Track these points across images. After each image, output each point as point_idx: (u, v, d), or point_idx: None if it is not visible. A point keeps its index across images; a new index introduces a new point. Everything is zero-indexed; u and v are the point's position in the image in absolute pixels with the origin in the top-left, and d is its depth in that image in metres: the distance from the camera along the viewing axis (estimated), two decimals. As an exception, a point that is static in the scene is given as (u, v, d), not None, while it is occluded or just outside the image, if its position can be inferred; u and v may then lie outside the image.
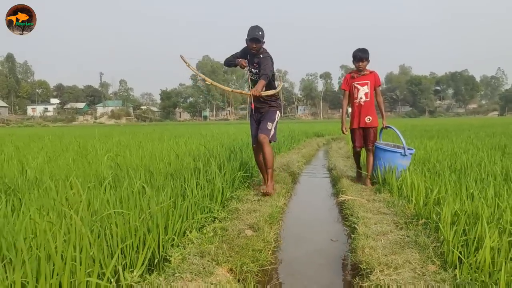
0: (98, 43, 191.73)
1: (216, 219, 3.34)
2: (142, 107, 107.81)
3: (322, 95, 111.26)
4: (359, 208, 3.75)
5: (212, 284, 2.04)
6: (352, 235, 3.16)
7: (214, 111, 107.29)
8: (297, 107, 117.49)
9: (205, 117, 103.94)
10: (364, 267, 2.38)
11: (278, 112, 4.65)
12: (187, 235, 2.77)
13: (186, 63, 4.12)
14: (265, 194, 4.29)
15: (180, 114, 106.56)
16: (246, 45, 4.48)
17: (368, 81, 4.86)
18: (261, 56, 4.43)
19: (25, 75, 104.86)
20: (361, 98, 4.89)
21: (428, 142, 9.61)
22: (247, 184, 4.94)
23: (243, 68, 4.48)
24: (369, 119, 4.88)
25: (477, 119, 46.82)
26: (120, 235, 2.24)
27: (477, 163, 4.94)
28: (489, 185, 3.30)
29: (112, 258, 1.98)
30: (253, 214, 3.55)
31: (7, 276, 1.68)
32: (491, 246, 2.01)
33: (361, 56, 4.81)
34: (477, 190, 3.22)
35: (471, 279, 1.96)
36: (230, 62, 4.65)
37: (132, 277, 2.03)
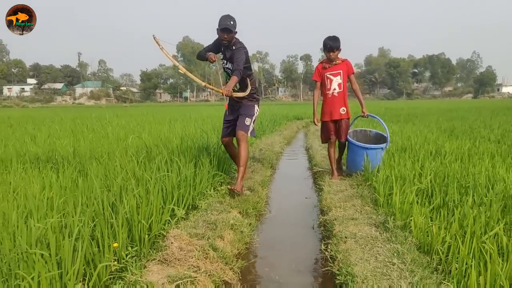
0: (75, 22, 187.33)
1: (223, 183, 4.60)
2: (122, 88, 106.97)
3: (302, 77, 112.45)
4: (326, 176, 5.07)
5: (231, 217, 3.32)
6: (320, 193, 4.49)
7: (194, 92, 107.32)
8: (277, 88, 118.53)
9: (186, 98, 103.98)
10: (325, 209, 3.71)
11: (256, 106, 4.48)
12: (208, 192, 4.03)
13: (159, 45, 3.88)
14: (232, 191, 4.05)
15: (161, 95, 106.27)
16: (218, 35, 4.25)
17: (341, 71, 4.65)
18: (234, 48, 4.22)
19: (0, 55, 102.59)
20: (334, 89, 4.69)
21: (393, 125, 11.05)
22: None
23: (212, 63, 4.30)
24: (344, 110, 4.74)
25: (448, 103, 49.07)
26: (169, 189, 3.48)
27: (420, 144, 6.30)
28: (418, 159, 4.67)
29: (172, 201, 3.23)
30: (250, 180, 4.84)
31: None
32: (397, 193, 3.34)
33: (331, 45, 4.54)
34: (408, 162, 4.57)
35: (387, 212, 3.29)
36: (202, 56, 4.45)
37: (181, 212, 3.28)
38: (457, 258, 2.23)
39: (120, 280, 2.15)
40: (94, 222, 2.51)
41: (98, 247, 2.28)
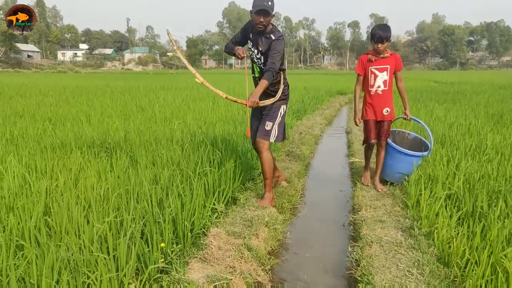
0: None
1: (260, 174, 4.86)
2: (169, 54, 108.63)
3: (349, 45, 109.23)
4: (362, 168, 5.20)
5: (266, 213, 3.58)
6: (353, 188, 4.66)
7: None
8: (323, 56, 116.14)
9: (230, 65, 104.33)
10: (356, 207, 3.91)
11: (283, 107, 3.92)
12: (247, 184, 4.32)
13: (172, 42, 3.65)
14: (261, 205, 3.78)
15: (206, 61, 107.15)
16: (250, 19, 3.72)
17: (388, 66, 4.13)
18: (272, 37, 3.61)
19: (54, 20, 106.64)
20: (378, 86, 4.19)
21: (438, 106, 10.81)
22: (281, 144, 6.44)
23: (241, 59, 3.77)
24: (387, 111, 4.26)
25: (505, 74, 46.23)
26: (210, 184, 3.77)
27: (462, 134, 6.24)
28: (454, 156, 4.69)
29: (213, 197, 3.53)
30: (287, 170, 5.08)
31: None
32: (426, 199, 3.45)
33: (381, 35, 3.99)
34: (444, 159, 4.61)
35: (415, 216, 3.44)
36: (230, 50, 3.90)
37: (221, 207, 3.59)
38: (472, 274, 2.39)
39: (166, 275, 2.49)
40: (144, 221, 2.86)
41: (147, 244, 2.62)
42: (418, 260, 2.71)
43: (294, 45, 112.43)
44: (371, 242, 3.05)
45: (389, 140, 4.40)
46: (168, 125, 6.87)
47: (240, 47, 3.77)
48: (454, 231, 2.96)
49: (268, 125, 3.80)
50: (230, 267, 2.61)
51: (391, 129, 4.56)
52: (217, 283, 2.38)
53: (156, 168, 4.18)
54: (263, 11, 3.46)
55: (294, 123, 8.42)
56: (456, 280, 2.47)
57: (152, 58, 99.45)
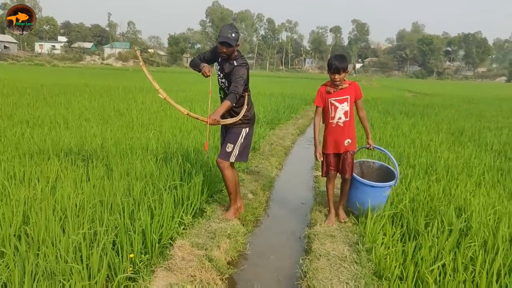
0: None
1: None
2: (150, 51, 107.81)
3: (330, 49, 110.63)
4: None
5: (229, 226, 3.93)
6: (314, 201, 5.05)
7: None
8: (304, 59, 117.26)
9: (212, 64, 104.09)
10: (313, 222, 4.29)
11: (245, 129, 4.08)
12: (213, 196, 4.65)
13: (140, 60, 3.80)
14: (226, 218, 4.10)
15: (187, 59, 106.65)
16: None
17: (348, 96, 3.99)
18: (235, 63, 3.84)
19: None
20: (339, 118, 4.01)
21: (406, 120, 11.38)
22: (252, 155, 6.80)
23: (206, 77, 3.88)
24: (349, 142, 4.07)
25: (477, 87, 47.85)
26: (179, 197, 4.09)
27: (420, 153, 6.73)
28: (407, 176, 5.15)
29: (181, 209, 3.85)
30: (254, 183, 5.44)
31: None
32: (371, 217, 3.86)
33: (337, 66, 3.86)
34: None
35: (362, 232, 3.84)
36: (195, 65, 4.05)
37: (188, 219, 3.91)
38: (400, 286, 2.80)
39: (134, 283, 2.81)
40: (116, 232, 3.16)
41: (118, 254, 2.93)
42: (357, 273, 3.10)
43: (276, 47, 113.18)
44: (320, 255, 3.43)
45: (354, 174, 4.19)
46: (144, 132, 7.15)
47: (207, 65, 3.96)
48: (393, 247, 3.38)
49: (229, 147, 4.02)
50: (191, 276, 2.95)
51: (357, 160, 4.54)
52: (176, 292, 2.71)
53: (130, 179, 4.48)
54: (226, 43, 3.71)
55: (266, 133, 8.79)
56: (386, 292, 2.87)
57: (133, 54, 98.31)
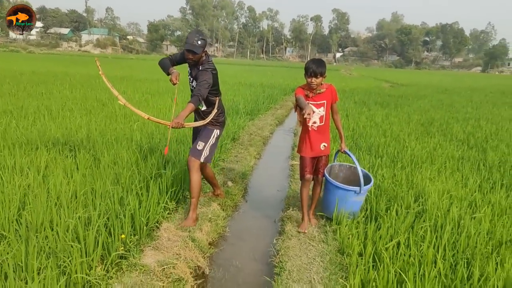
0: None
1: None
2: (129, 37, 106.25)
3: (311, 38, 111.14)
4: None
5: (210, 210, 4.30)
6: (288, 189, 5.46)
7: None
8: (285, 48, 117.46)
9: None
10: (286, 207, 4.70)
11: (216, 131, 4.15)
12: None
13: (98, 67, 3.94)
14: (184, 227, 3.85)
15: (167, 47, 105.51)
16: None
17: (325, 101, 3.91)
18: (200, 68, 3.90)
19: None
20: (314, 122, 3.94)
21: (381, 111, 11.89)
22: (232, 145, 7.16)
23: (174, 85, 3.94)
24: (324, 146, 4.05)
25: (453, 76, 49.05)
26: (164, 186, 4.43)
27: (389, 143, 7.20)
28: (375, 164, 5.60)
29: (166, 195, 4.20)
30: (233, 171, 5.81)
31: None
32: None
33: (314, 70, 3.73)
34: (367, 166, 5.50)
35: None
36: (164, 66, 4.10)
37: (172, 204, 4.26)
38: (359, 261, 3.23)
39: (125, 260, 3.16)
40: (107, 215, 3.49)
41: (110, 235, 3.26)
42: (323, 250, 3.53)
43: (257, 36, 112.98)
44: (291, 236, 3.85)
45: (325, 173, 4.15)
46: (127, 123, 7.41)
47: (176, 71, 3.96)
48: (356, 229, 3.80)
49: (200, 145, 4.03)
50: (177, 254, 3.32)
51: (341, 164, 4.59)
52: (165, 266, 3.08)
53: (117, 168, 4.79)
54: (191, 51, 3.76)
55: (246, 124, 9.16)
56: (347, 266, 3.30)
57: (112, 40, 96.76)
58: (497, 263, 3.12)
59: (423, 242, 3.45)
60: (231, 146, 7.16)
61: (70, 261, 2.80)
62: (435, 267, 3.03)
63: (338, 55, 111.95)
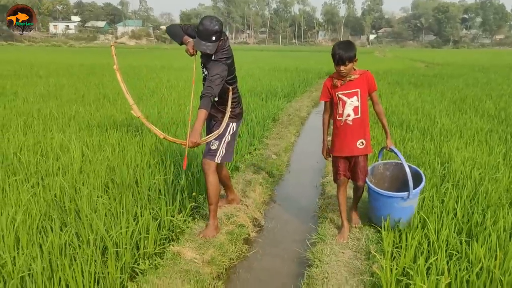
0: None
1: (256, 149, 6.28)
2: (162, 27, 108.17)
3: (343, 21, 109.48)
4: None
5: (260, 176, 5.03)
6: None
7: (233, 33, 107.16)
8: (317, 32, 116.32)
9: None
10: (326, 173, 5.37)
11: (232, 125, 3.62)
12: (244, 156, 5.75)
13: (115, 63, 3.41)
14: (204, 237, 3.47)
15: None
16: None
17: (358, 90, 3.37)
18: (213, 58, 3.35)
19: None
20: (348, 115, 3.40)
21: (414, 90, 12.23)
22: (273, 124, 7.85)
23: (191, 56, 3.47)
24: (362, 144, 3.45)
25: (493, 54, 47.48)
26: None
27: (420, 119, 7.68)
28: (405, 137, 6.16)
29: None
30: (276, 146, 6.52)
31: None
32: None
33: (342, 56, 3.20)
34: (398, 139, 6.06)
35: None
36: (176, 34, 3.53)
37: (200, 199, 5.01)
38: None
39: (197, 213, 3.93)
40: (179, 178, 4.27)
41: (183, 193, 4.03)
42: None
43: (289, 21, 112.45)
44: (331, 196, 4.52)
45: (368, 182, 3.60)
46: (178, 108, 8.23)
47: (191, 40, 3.40)
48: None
49: (214, 144, 3.52)
50: (237, 208, 4.07)
51: (387, 162, 3.98)
52: (230, 216, 3.85)
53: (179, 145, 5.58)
54: (202, 48, 3.27)
55: (284, 106, 9.82)
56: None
57: (146, 31, 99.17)
58: (508, 213, 3.68)
59: (445, 197, 4.04)
60: (272, 126, 7.85)
61: (160, 208, 3.59)
62: (454, 216, 3.61)
63: (371, 37, 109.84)
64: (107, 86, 11.41)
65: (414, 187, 3.40)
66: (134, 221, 3.33)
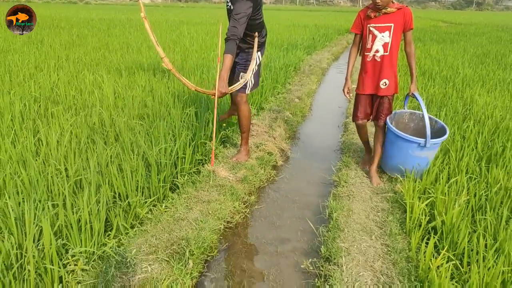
0: None
1: (279, 93, 6.43)
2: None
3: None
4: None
5: (285, 115, 5.22)
6: (348, 104, 6.25)
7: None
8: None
9: None
10: (348, 115, 5.53)
11: (258, 54, 3.54)
12: (268, 98, 5.92)
13: (142, 12, 3.18)
14: (237, 162, 3.72)
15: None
16: None
17: (392, 24, 3.15)
18: None
19: None
20: (376, 50, 3.23)
21: (436, 46, 12.07)
22: (295, 73, 7.96)
23: None
24: (385, 84, 3.29)
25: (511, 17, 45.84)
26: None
27: (442, 68, 7.69)
28: (427, 84, 6.22)
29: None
30: (299, 91, 6.66)
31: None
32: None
33: None
34: (420, 86, 6.14)
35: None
36: None
37: (255, 111, 5.21)
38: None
39: (228, 142, 4.16)
40: (209, 110, 4.48)
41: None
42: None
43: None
44: (354, 132, 4.70)
45: (388, 121, 3.39)
46: (201, 56, 8.35)
47: None
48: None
49: (243, 77, 3.51)
50: (266, 139, 4.29)
51: (413, 111, 3.69)
52: (258, 145, 4.07)
53: (203, 86, 5.77)
54: None
55: (304, 57, 9.85)
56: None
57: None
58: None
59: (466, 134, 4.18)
60: (294, 74, 7.95)
61: (193, 134, 3.82)
62: (475, 148, 3.76)
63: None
64: (130, 37, 11.52)
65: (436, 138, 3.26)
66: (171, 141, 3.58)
